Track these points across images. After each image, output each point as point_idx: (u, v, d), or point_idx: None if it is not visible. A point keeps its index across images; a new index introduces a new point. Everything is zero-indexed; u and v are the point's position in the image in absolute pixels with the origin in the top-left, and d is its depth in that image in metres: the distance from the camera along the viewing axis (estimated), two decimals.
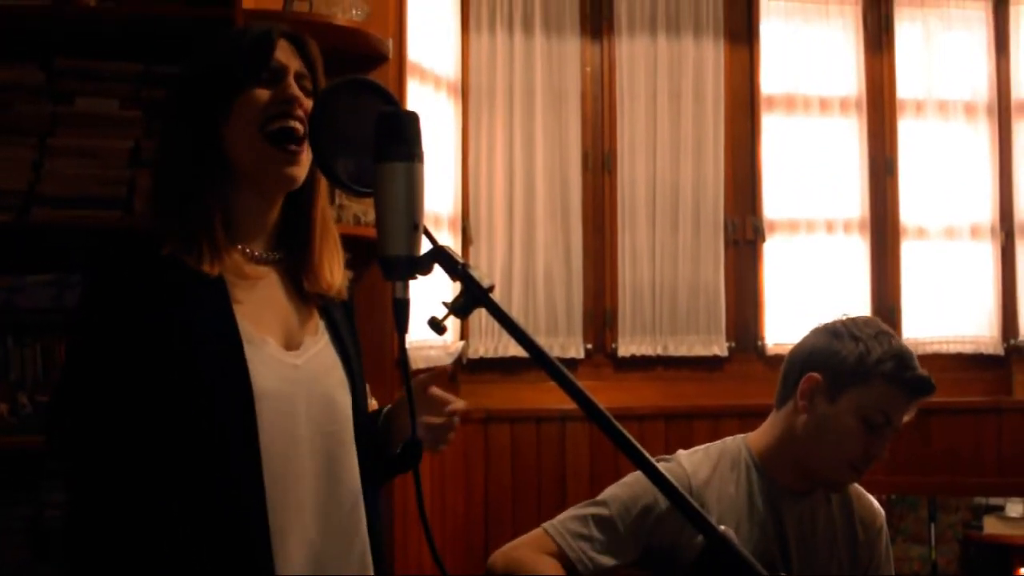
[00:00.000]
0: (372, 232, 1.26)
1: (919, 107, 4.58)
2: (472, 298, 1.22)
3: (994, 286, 4.60)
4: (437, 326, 1.24)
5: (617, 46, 4.36)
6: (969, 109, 4.62)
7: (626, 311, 4.30)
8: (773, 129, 4.47)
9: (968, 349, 4.57)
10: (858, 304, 4.42)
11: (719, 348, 4.35)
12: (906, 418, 1.94)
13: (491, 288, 1.23)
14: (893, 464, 4.09)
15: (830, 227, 4.48)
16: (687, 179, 4.35)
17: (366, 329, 1.71)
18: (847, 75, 4.53)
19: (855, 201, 4.51)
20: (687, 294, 4.33)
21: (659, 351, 4.31)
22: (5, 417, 2.47)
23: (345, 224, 2.92)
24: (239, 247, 1.49)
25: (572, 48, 4.32)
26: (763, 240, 4.42)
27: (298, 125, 1.47)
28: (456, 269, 1.23)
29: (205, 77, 1.50)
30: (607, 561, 1.92)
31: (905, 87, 4.58)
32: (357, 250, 1.65)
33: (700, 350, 4.34)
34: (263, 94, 1.47)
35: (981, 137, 4.62)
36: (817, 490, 2.01)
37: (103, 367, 1.40)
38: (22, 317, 2.50)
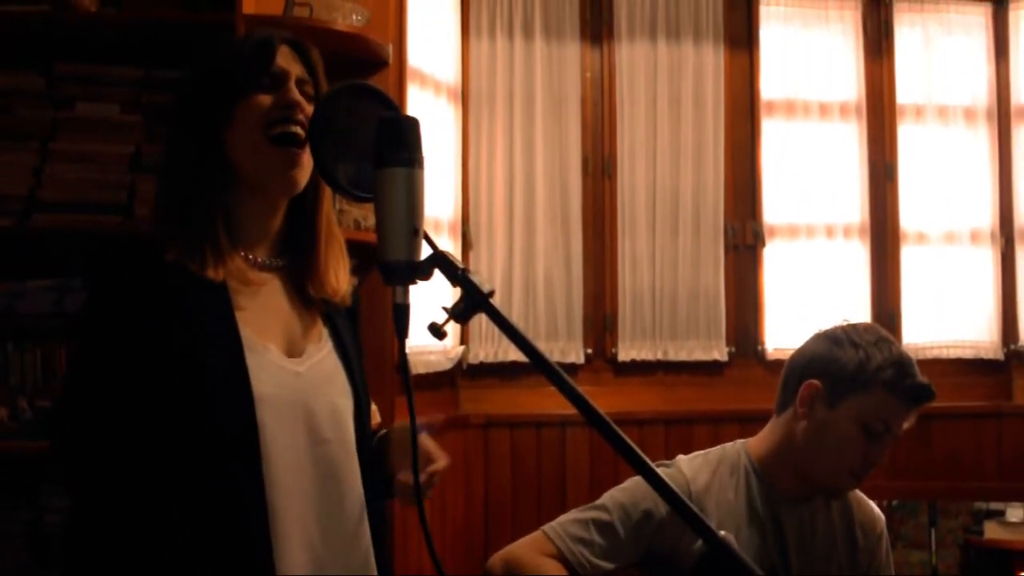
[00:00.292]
0: (372, 237, 1.26)
1: (919, 112, 4.58)
2: (472, 303, 1.22)
3: (994, 291, 4.60)
4: (437, 331, 1.24)
5: (617, 51, 4.36)
6: (969, 114, 4.62)
7: (626, 316, 4.30)
8: (773, 134, 4.47)
9: (968, 354, 4.57)
10: (858, 309, 4.42)
11: (719, 353, 4.35)
12: (907, 425, 1.93)
13: (491, 293, 1.23)
14: (893, 469, 4.08)
15: (830, 232, 4.48)
16: (687, 184, 4.35)
17: (366, 334, 1.71)
18: (847, 80, 4.53)
19: (855, 206, 4.51)
20: (687, 299, 4.33)
21: (659, 356, 4.31)
22: (5, 422, 2.47)
23: (345, 229, 2.91)
24: (242, 253, 1.49)
25: (572, 53, 4.33)
26: (763, 245, 4.42)
27: (299, 130, 1.47)
28: (456, 274, 1.23)
29: (207, 83, 1.50)
30: (606, 566, 1.92)
31: (905, 92, 4.58)
32: (357, 255, 1.64)
33: (700, 355, 4.34)
34: (265, 100, 1.47)
35: (981, 142, 4.62)
36: (816, 496, 2.01)
37: (106, 373, 1.40)
38: (22, 322, 2.50)
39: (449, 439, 3.69)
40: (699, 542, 1.10)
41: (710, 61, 4.40)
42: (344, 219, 2.97)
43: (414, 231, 1.23)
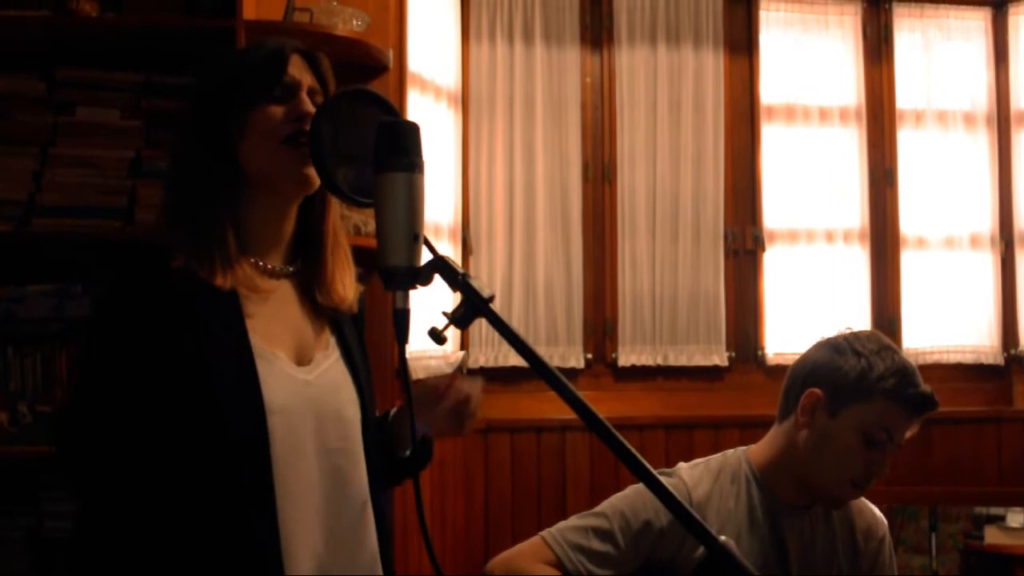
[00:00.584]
0: (372, 242, 1.26)
1: (919, 117, 4.59)
2: (472, 308, 1.22)
3: (994, 296, 4.60)
4: (437, 336, 1.24)
5: (617, 56, 4.36)
6: (968, 119, 4.62)
7: (626, 321, 4.30)
8: (773, 139, 4.47)
9: (968, 359, 4.57)
10: (858, 314, 4.42)
11: (719, 358, 4.35)
12: (910, 434, 1.93)
13: (491, 298, 1.23)
14: (894, 474, 4.08)
15: (830, 237, 4.48)
16: (687, 189, 4.35)
17: (367, 339, 1.71)
18: (847, 85, 4.54)
19: (855, 211, 4.51)
20: (687, 304, 4.33)
21: (659, 361, 4.31)
22: (5, 427, 2.47)
23: (345, 234, 2.92)
24: (252, 260, 1.49)
25: (572, 58, 4.33)
26: (763, 250, 4.42)
27: None
28: (456, 279, 1.23)
29: (218, 92, 1.50)
30: (604, 574, 1.91)
31: (904, 97, 4.58)
32: (358, 260, 1.65)
33: (700, 360, 4.34)
34: (277, 111, 1.47)
35: (980, 147, 4.63)
36: (817, 504, 2.00)
37: (114, 379, 1.40)
38: (22, 327, 2.50)
39: (449, 444, 3.69)
40: (700, 550, 1.10)
41: (710, 66, 4.41)
42: (344, 224, 2.95)
43: (414, 236, 1.23)
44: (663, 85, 4.37)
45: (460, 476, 3.96)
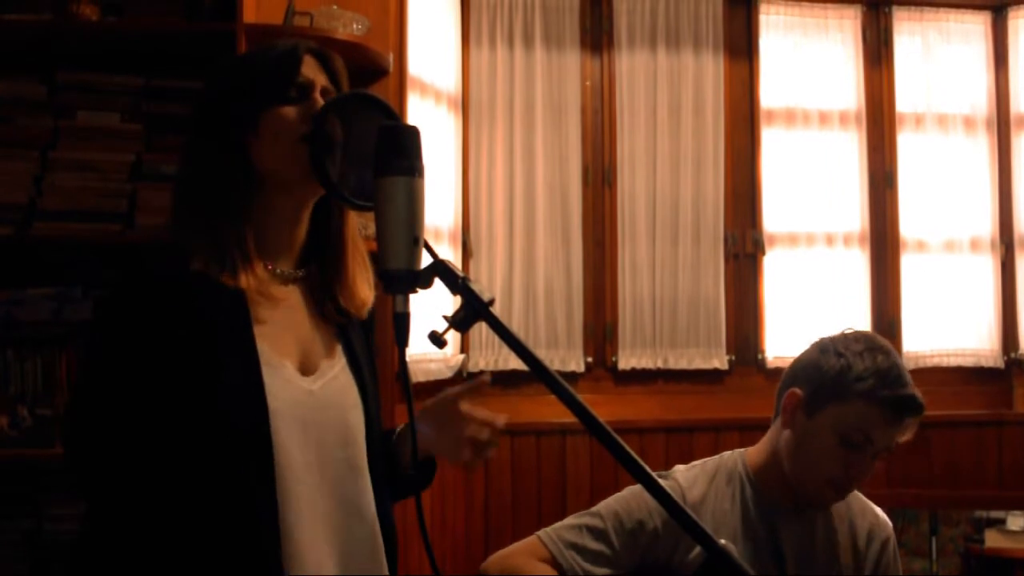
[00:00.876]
0: (373, 245, 1.26)
1: (918, 120, 4.59)
2: (472, 312, 1.22)
3: (994, 299, 4.60)
4: (437, 340, 1.24)
5: (617, 60, 4.37)
6: (968, 122, 4.63)
7: (626, 324, 4.30)
8: (773, 143, 4.48)
9: (968, 362, 4.57)
10: (858, 317, 4.42)
11: (719, 361, 4.35)
12: (904, 438, 1.88)
13: (491, 302, 1.23)
14: (894, 477, 4.09)
15: (830, 240, 4.48)
16: (687, 193, 4.36)
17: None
18: (847, 89, 4.54)
19: (855, 214, 4.51)
20: (687, 307, 4.33)
21: (659, 364, 4.31)
22: (5, 430, 2.47)
23: None
24: (264, 264, 1.48)
25: (572, 62, 4.33)
26: (763, 253, 4.42)
27: None
28: (456, 283, 1.23)
29: (232, 93, 1.49)
30: (598, 572, 1.91)
31: (904, 101, 4.59)
32: None
33: (700, 363, 4.34)
34: (290, 111, 1.46)
35: (980, 150, 4.63)
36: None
37: (121, 382, 1.40)
38: (23, 330, 2.51)
39: None
40: (695, 553, 1.10)
41: (710, 70, 4.41)
42: None
43: (414, 240, 1.23)
44: (663, 89, 4.37)
45: (460, 479, 3.96)
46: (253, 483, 1.37)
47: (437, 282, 1.25)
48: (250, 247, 1.44)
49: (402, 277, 1.23)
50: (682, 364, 4.33)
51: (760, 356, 4.39)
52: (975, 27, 4.66)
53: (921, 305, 4.53)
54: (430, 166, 1.26)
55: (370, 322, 1.63)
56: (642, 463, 1.12)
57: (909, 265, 4.54)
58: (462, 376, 4.08)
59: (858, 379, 1.84)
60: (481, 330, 4.00)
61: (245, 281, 1.42)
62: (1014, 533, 3.99)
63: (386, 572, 1.52)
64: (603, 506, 1.97)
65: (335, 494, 1.46)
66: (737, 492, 1.97)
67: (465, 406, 1.51)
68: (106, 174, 2.55)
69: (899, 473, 4.11)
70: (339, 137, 1.40)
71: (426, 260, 1.25)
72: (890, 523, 2.07)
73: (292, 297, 1.52)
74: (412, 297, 1.24)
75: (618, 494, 1.98)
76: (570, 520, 1.97)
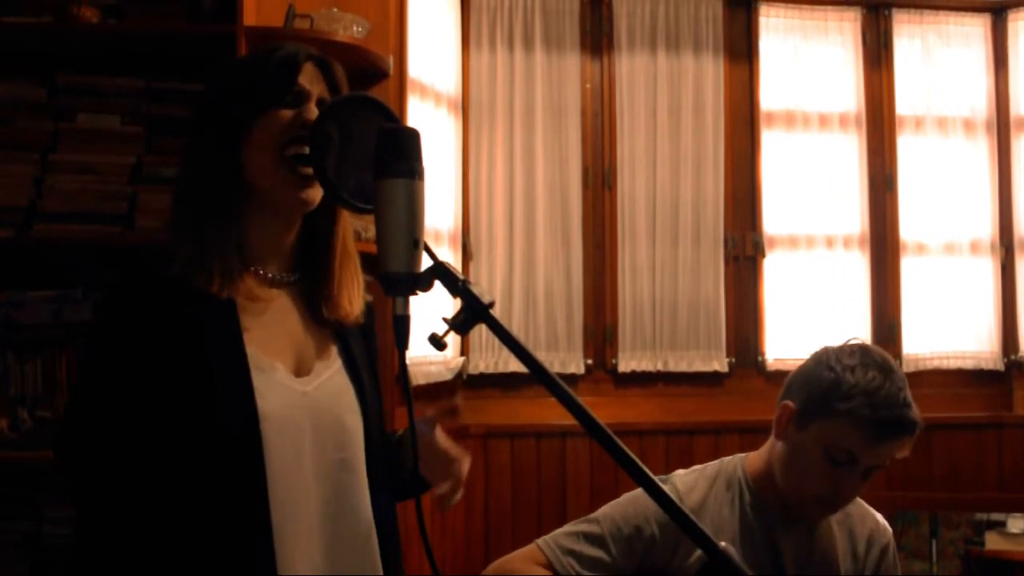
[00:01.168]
0: (372, 248, 1.26)
1: (918, 123, 4.59)
2: (472, 314, 1.22)
3: (994, 301, 4.60)
4: (437, 342, 1.24)
5: (617, 62, 4.37)
6: (968, 125, 4.63)
7: (626, 327, 4.30)
8: (773, 145, 4.48)
9: (968, 365, 4.57)
10: (858, 320, 4.42)
11: (719, 364, 4.35)
12: (899, 455, 1.85)
13: (491, 304, 1.23)
14: (894, 480, 4.09)
15: (830, 243, 4.48)
16: (687, 195, 4.36)
17: None
18: (846, 91, 4.54)
19: (855, 217, 4.51)
20: (687, 310, 4.33)
21: (659, 367, 4.31)
22: (5, 432, 2.47)
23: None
24: (252, 269, 1.48)
25: (572, 64, 4.34)
26: (763, 256, 4.42)
27: None
28: (456, 285, 1.23)
29: (229, 95, 1.49)
30: None
31: (904, 103, 4.58)
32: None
33: (700, 366, 4.34)
34: (285, 115, 1.46)
35: (980, 153, 4.63)
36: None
37: (113, 388, 1.40)
38: (23, 332, 2.51)
39: None
40: (693, 557, 1.10)
41: (710, 72, 4.41)
42: None
43: (414, 242, 1.23)
44: (663, 91, 4.37)
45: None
46: (243, 485, 1.37)
47: (437, 284, 1.25)
48: (231, 255, 1.43)
49: (402, 280, 1.22)
50: (682, 366, 4.33)
51: (760, 359, 4.39)
52: (975, 29, 4.66)
53: (921, 307, 4.53)
54: (430, 168, 1.26)
55: (370, 325, 1.63)
56: (642, 465, 1.12)
57: (909, 268, 4.53)
58: (462, 378, 4.08)
59: (844, 396, 1.80)
60: (481, 332, 4.00)
61: (225, 289, 1.41)
62: (1014, 535, 3.99)
63: (380, 573, 1.52)
64: (601, 513, 1.97)
65: (329, 495, 1.46)
66: (736, 498, 1.97)
67: (439, 443, 1.48)
68: (106, 176, 2.55)
69: (899, 475, 4.11)
70: (336, 141, 1.40)
71: (426, 262, 1.25)
72: (890, 529, 2.06)
73: (283, 301, 1.51)
74: (412, 300, 1.24)
75: (616, 500, 1.98)
76: (568, 527, 1.97)
